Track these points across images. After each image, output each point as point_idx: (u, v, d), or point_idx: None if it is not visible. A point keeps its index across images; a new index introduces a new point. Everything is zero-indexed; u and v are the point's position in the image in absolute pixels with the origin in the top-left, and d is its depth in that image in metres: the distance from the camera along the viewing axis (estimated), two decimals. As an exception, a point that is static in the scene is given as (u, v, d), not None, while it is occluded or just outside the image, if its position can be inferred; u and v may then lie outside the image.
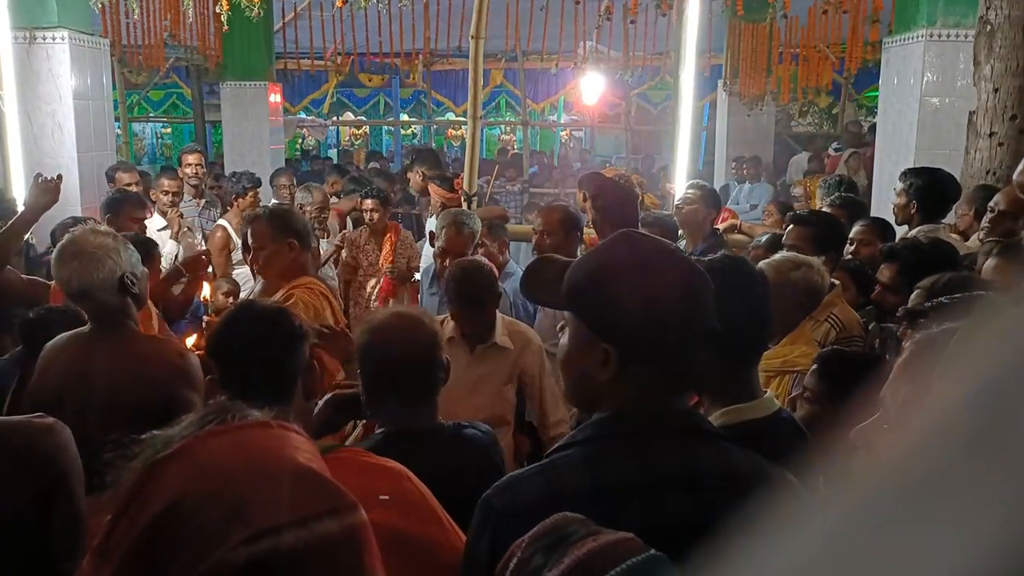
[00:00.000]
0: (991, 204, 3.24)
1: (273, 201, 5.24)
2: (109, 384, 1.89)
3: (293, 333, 1.77)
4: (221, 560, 0.67)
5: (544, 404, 2.97)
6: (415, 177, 5.37)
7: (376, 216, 5.16)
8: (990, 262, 2.50)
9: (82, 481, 1.61)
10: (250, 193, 5.30)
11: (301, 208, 4.85)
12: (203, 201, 5.94)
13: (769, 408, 1.61)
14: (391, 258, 5.18)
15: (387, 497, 1.48)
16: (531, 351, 2.94)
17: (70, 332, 2.36)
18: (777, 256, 2.73)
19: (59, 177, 3.63)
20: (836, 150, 9.79)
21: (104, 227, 2.59)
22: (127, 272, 2.30)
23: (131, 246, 2.41)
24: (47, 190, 3.53)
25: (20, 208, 3.78)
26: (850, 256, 3.40)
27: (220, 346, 1.79)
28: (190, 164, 5.94)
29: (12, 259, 3.48)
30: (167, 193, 5.04)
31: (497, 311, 2.94)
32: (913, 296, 2.26)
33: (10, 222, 3.53)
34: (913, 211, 3.59)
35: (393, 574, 1.14)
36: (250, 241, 3.06)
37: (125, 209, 4.23)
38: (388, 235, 5.26)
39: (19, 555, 1.51)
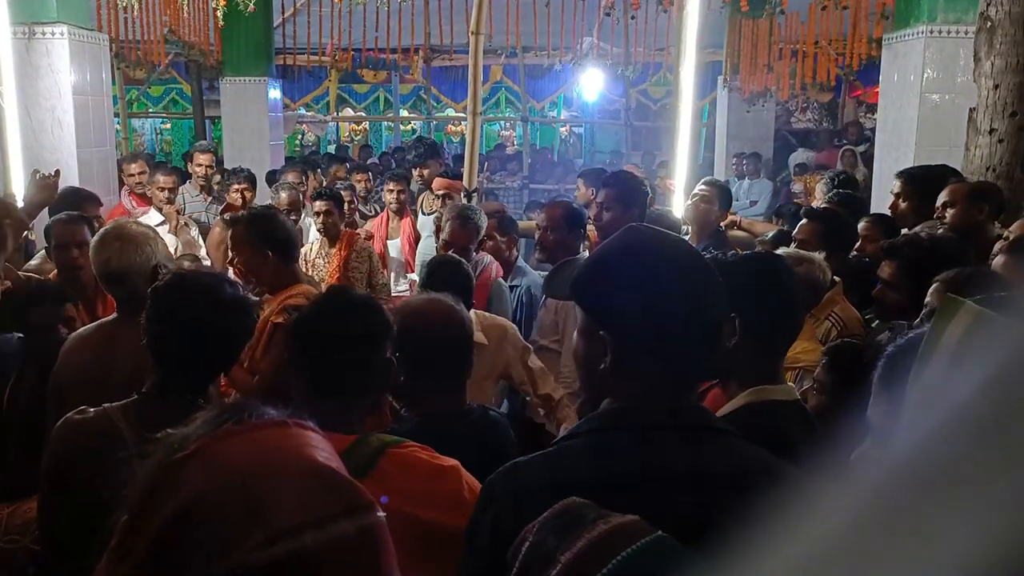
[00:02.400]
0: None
1: (282, 195, 5.09)
2: (132, 371, 1.92)
3: (383, 328, 1.72)
4: (240, 562, 0.66)
5: (535, 381, 2.96)
6: (435, 167, 5.26)
7: (330, 220, 4.47)
8: (999, 259, 2.50)
9: None
10: (233, 188, 5.29)
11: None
12: (210, 198, 6.07)
13: (792, 395, 1.71)
14: (337, 275, 4.37)
15: (383, 514, 1.47)
16: (508, 342, 2.94)
17: (97, 321, 2.47)
18: (778, 252, 2.73)
19: (56, 173, 3.62)
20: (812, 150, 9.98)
21: (144, 222, 2.75)
22: (161, 262, 2.39)
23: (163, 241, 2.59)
24: (45, 186, 3.53)
25: (20, 204, 3.76)
26: (855, 252, 3.39)
27: (310, 334, 1.69)
28: (201, 164, 6.06)
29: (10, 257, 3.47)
30: (163, 189, 5.07)
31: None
32: (932, 290, 2.26)
33: None
34: (910, 210, 3.58)
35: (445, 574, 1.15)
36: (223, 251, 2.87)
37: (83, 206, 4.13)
38: (338, 247, 4.47)
39: None
